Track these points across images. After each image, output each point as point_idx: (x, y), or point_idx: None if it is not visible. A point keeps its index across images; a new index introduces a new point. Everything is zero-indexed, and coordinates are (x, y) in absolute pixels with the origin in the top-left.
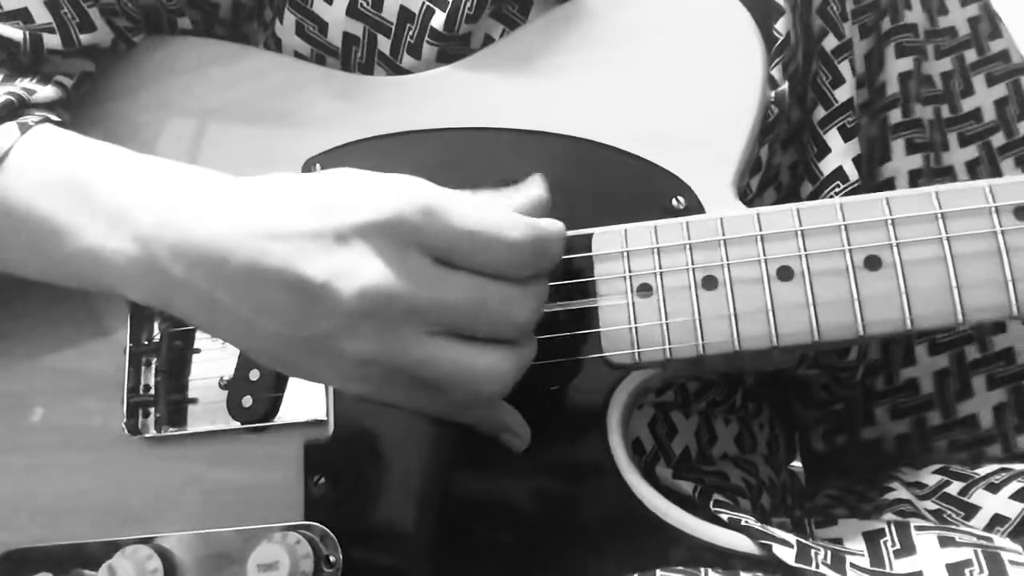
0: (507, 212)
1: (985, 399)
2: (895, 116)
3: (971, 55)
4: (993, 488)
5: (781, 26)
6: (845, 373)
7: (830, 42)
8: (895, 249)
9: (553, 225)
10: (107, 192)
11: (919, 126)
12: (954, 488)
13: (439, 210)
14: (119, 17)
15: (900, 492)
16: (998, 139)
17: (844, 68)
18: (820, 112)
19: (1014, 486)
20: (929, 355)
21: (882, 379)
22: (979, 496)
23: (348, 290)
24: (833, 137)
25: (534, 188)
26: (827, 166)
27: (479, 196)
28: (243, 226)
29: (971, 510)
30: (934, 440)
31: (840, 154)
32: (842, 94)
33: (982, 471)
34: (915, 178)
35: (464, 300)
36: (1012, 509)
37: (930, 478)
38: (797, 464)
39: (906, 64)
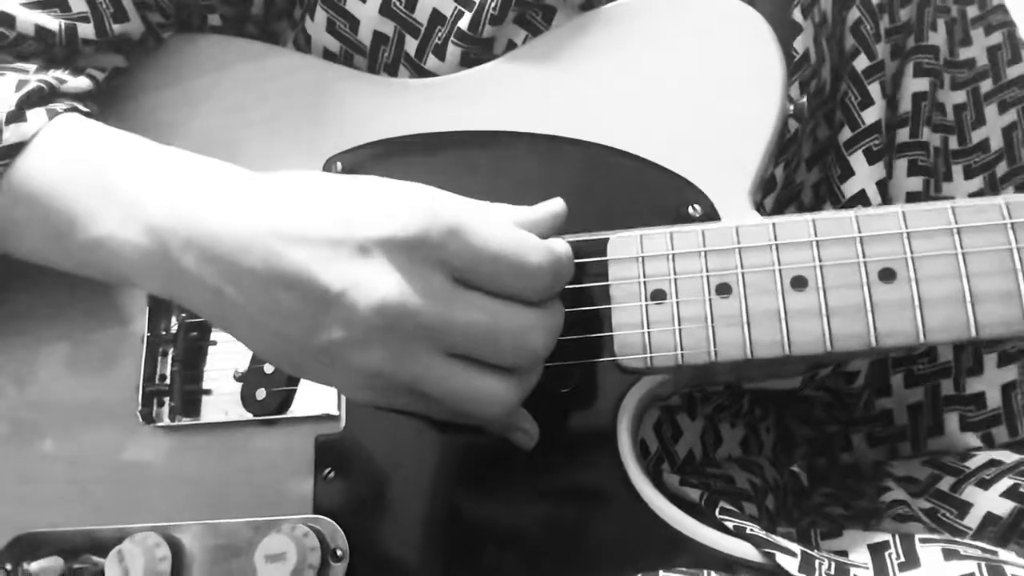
0: (528, 235)
1: (958, 440)
2: (902, 135)
3: (986, 85)
4: (984, 484)
5: (799, 44)
6: (850, 399)
7: (861, 62)
8: (910, 262)
9: (564, 247)
10: (124, 182)
11: (924, 149)
12: (945, 484)
13: (463, 230)
14: (152, 11)
15: (895, 492)
16: (1001, 168)
17: (874, 89)
18: (846, 133)
19: (1005, 483)
20: (905, 387)
21: (861, 406)
22: (970, 492)
23: (365, 302)
24: (858, 160)
25: (555, 204)
26: (850, 188)
27: (500, 209)
28: (260, 224)
29: (964, 507)
30: None
31: (864, 177)
32: (870, 116)
33: (972, 464)
34: (912, 201)
35: (479, 324)
36: (1003, 507)
37: (920, 471)
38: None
39: (922, 84)
